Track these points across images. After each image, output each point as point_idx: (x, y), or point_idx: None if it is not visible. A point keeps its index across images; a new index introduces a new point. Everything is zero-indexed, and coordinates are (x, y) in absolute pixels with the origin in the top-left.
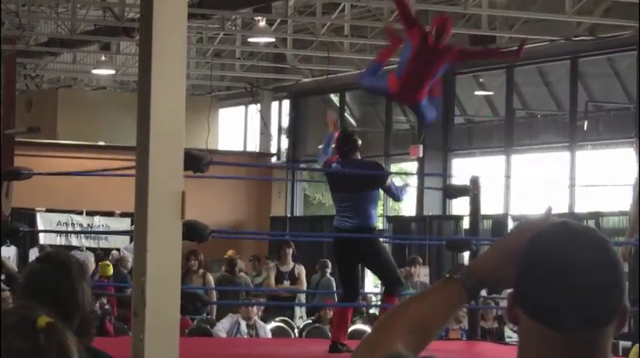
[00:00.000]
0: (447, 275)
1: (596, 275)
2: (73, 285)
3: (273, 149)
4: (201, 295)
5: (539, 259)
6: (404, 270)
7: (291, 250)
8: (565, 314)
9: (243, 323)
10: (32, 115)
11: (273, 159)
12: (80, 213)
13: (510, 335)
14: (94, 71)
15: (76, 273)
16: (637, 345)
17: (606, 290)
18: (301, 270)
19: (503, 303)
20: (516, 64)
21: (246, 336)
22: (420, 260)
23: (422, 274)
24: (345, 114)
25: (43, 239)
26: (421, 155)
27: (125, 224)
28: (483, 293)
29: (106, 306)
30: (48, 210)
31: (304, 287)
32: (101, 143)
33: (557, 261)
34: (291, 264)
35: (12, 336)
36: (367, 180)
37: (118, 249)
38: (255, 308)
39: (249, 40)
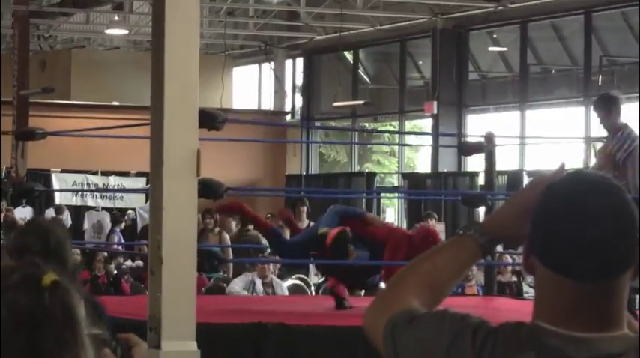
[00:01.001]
0: (461, 232)
1: (608, 222)
2: (62, 244)
3: (288, 107)
4: (218, 253)
5: (552, 206)
6: (419, 226)
7: (305, 208)
8: (577, 261)
9: (258, 282)
10: (46, 76)
11: (288, 118)
12: (95, 173)
13: (527, 290)
14: (108, 31)
15: (62, 234)
16: None
17: (619, 238)
18: None
19: (520, 259)
20: (530, 19)
21: (262, 294)
22: (436, 215)
23: (438, 230)
24: (359, 71)
25: (58, 199)
26: (435, 111)
27: (140, 183)
28: (499, 248)
29: (123, 266)
30: (63, 171)
31: None
32: (115, 103)
33: (569, 209)
34: (306, 221)
35: (16, 294)
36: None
37: (133, 209)
38: (271, 265)
39: None
